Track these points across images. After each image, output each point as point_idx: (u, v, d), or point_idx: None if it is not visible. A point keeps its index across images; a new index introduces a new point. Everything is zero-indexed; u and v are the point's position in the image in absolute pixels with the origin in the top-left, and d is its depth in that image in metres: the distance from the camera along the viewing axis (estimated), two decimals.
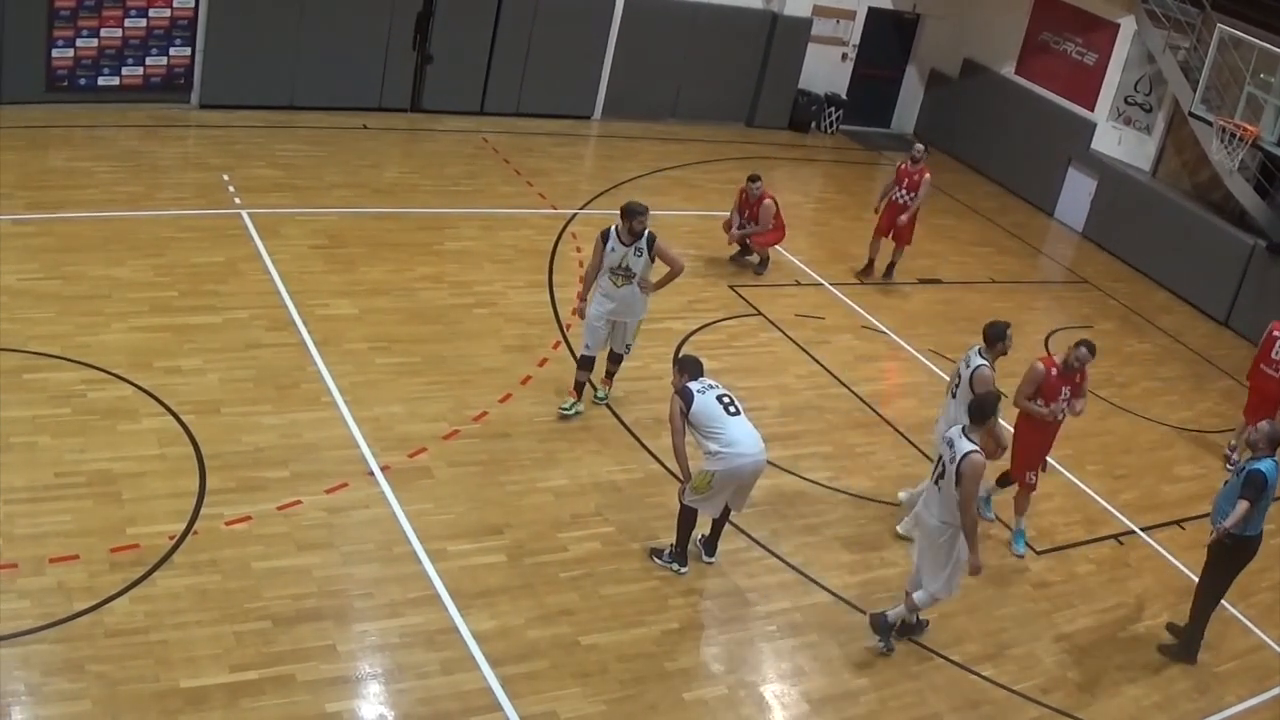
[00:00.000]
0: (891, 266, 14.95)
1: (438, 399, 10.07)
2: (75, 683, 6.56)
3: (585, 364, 10.23)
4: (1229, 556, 8.67)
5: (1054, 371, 9.51)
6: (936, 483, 7.91)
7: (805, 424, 11.06)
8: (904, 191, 14.34)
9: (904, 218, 14.42)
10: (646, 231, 9.78)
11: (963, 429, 7.89)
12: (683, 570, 8.64)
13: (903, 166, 14.48)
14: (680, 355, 9.43)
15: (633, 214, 9.74)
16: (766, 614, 8.45)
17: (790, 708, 7.71)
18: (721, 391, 8.34)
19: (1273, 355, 11.64)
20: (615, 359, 10.48)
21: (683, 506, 8.50)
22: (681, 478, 8.41)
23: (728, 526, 8.89)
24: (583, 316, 10.14)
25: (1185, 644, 8.97)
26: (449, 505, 8.79)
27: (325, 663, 7.12)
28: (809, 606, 8.58)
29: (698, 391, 8.22)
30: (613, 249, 9.79)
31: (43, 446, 8.43)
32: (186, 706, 6.57)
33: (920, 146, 14.69)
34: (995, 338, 9.22)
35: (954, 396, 9.27)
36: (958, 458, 7.67)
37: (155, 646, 6.92)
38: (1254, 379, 12.01)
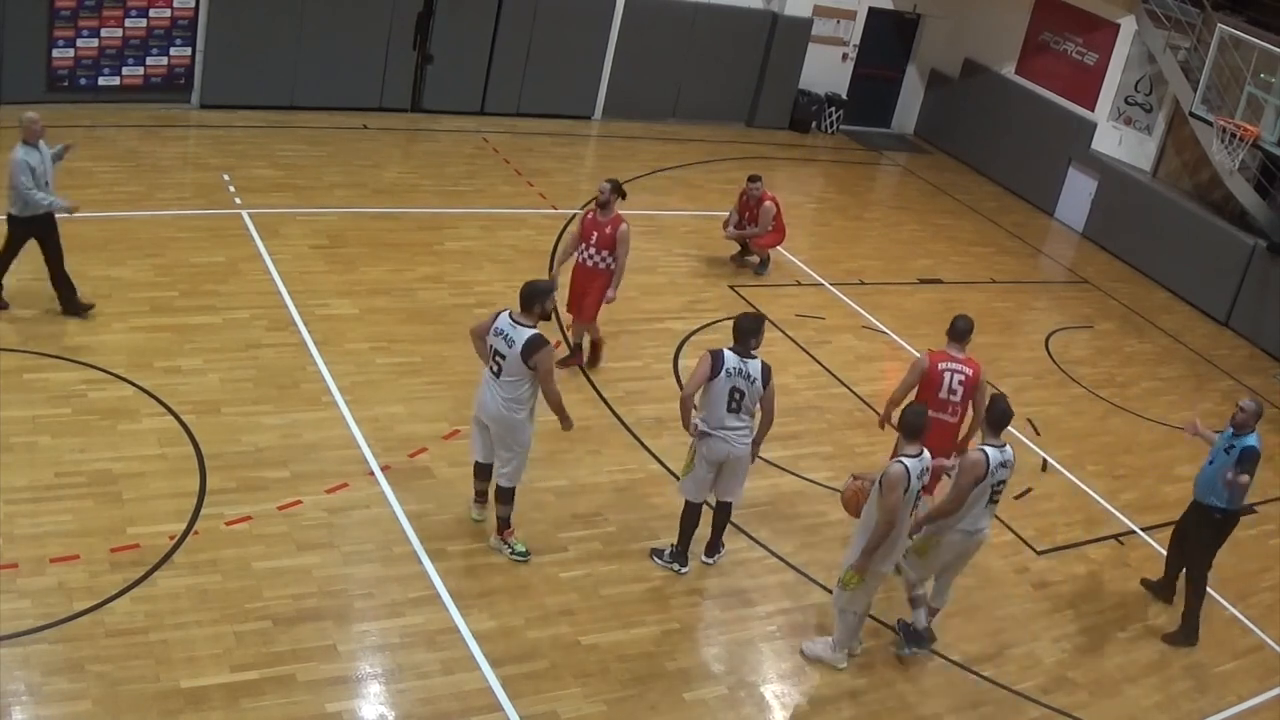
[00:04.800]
0: (595, 347, 11.05)
1: (438, 399, 10.07)
2: (76, 683, 6.56)
3: (479, 472, 8.55)
4: (1222, 530, 9.02)
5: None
6: (994, 499, 7.96)
7: (805, 424, 11.06)
8: (593, 250, 10.43)
9: (611, 293, 10.55)
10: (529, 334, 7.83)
11: (996, 448, 7.86)
12: (683, 570, 8.64)
13: (589, 216, 10.54)
14: (740, 317, 8.30)
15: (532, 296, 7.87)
16: (766, 614, 8.46)
17: (790, 708, 7.71)
18: (739, 387, 8.09)
19: (942, 396, 8.99)
20: (501, 494, 8.28)
21: (685, 506, 8.50)
22: (682, 424, 8.27)
23: (729, 527, 8.89)
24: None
25: (1185, 629, 9.11)
26: (449, 505, 8.78)
27: (325, 663, 7.12)
28: (809, 606, 8.58)
29: (724, 373, 8.04)
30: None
31: (43, 446, 8.44)
32: (187, 706, 6.57)
33: (607, 185, 10.42)
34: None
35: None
36: (1013, 459, 7.98)
37: (155, 646, 6.92)
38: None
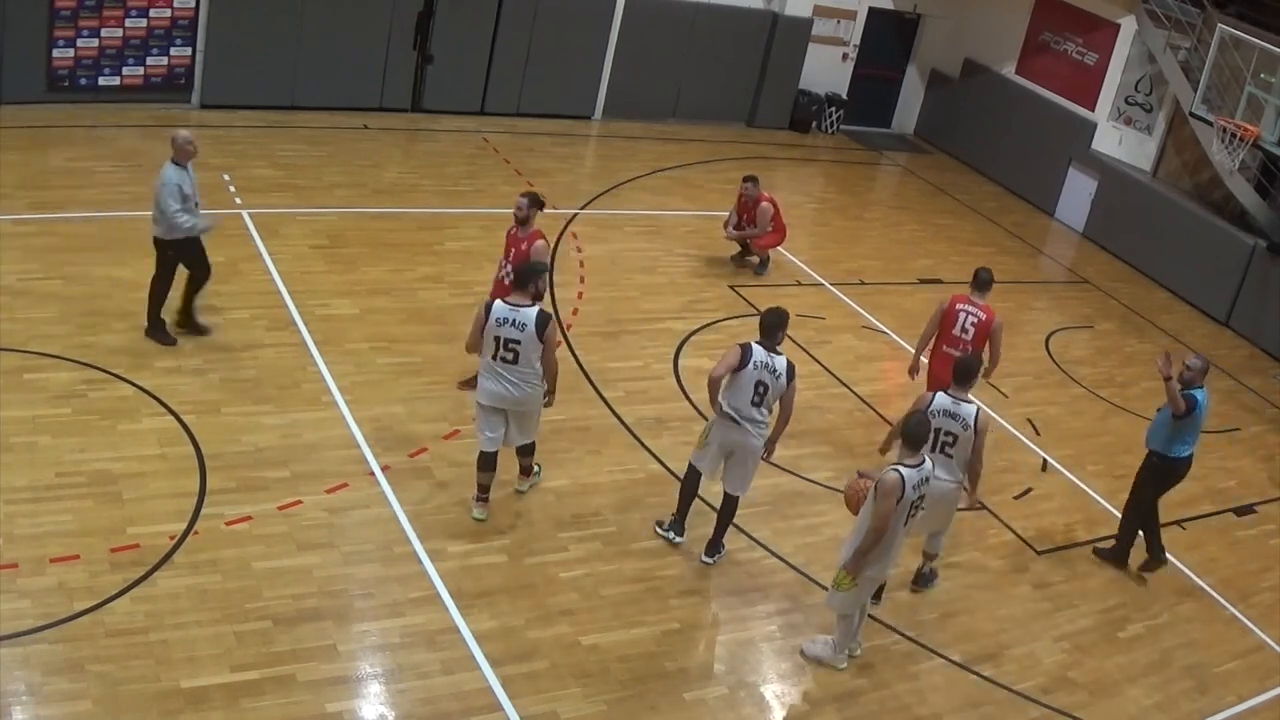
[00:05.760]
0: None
1: (438, 399, 10.07)
2: (76, 683, 6.56)
3: (484, 463, 8.62)
4: (1159, 476, 9.69)
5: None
6: (945, 452, 8.39)
7: (805, 424, 11.05)
8: (510, 268, 9.72)
9: None
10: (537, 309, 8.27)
11: (950, 396, 8.38)
12: (679, 539, 8.84)
13: (511, 231, 10.01)
14: (766, 313, 8.52)
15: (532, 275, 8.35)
16: (766, 614, 8.46)
17: (790, 708, 7.71)
18: (764, 380, 8.29)
19: (955, 332, 10.26)
20: (526, 449, 8.89)
21: (687, 470, 8.77)
22: (710, 402, 8.47)
23: (730, 528, 8.91)
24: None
25: (1117, 551, 9.91)
26: (449, 505, 8.78)
27: (326, 663, 7.12)
28: (809, 606, 8.58)
29: (752, 365, 8.27)
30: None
31: (43, 446, 8.44)
32: (187, 706, 6.57)
33: (524, 200, 9.91)
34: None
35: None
36: (970, 419, 8.34)
37: (156, 646, 6.92)
38: (933, 362, 10.45)
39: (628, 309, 12.48)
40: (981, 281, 10.36)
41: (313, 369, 10.14)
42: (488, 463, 8.60)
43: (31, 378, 9.19)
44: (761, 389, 8.30)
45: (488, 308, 8.24)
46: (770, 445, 8.60)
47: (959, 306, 10.27)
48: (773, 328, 8.40)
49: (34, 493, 7.95)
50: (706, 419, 9.08)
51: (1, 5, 13.85)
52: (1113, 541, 10.04)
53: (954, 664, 8.35)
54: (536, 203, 9.95)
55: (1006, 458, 11.24)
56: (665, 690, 7.52)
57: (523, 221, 9.85)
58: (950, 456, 8.42)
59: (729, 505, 8.71)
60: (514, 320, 8.16)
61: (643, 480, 9.64)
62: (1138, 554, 9.88)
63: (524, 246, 9.76)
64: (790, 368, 8.36)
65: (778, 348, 8.39)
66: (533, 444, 8.86)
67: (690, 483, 8.81)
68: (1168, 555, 9.87)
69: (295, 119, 15.82)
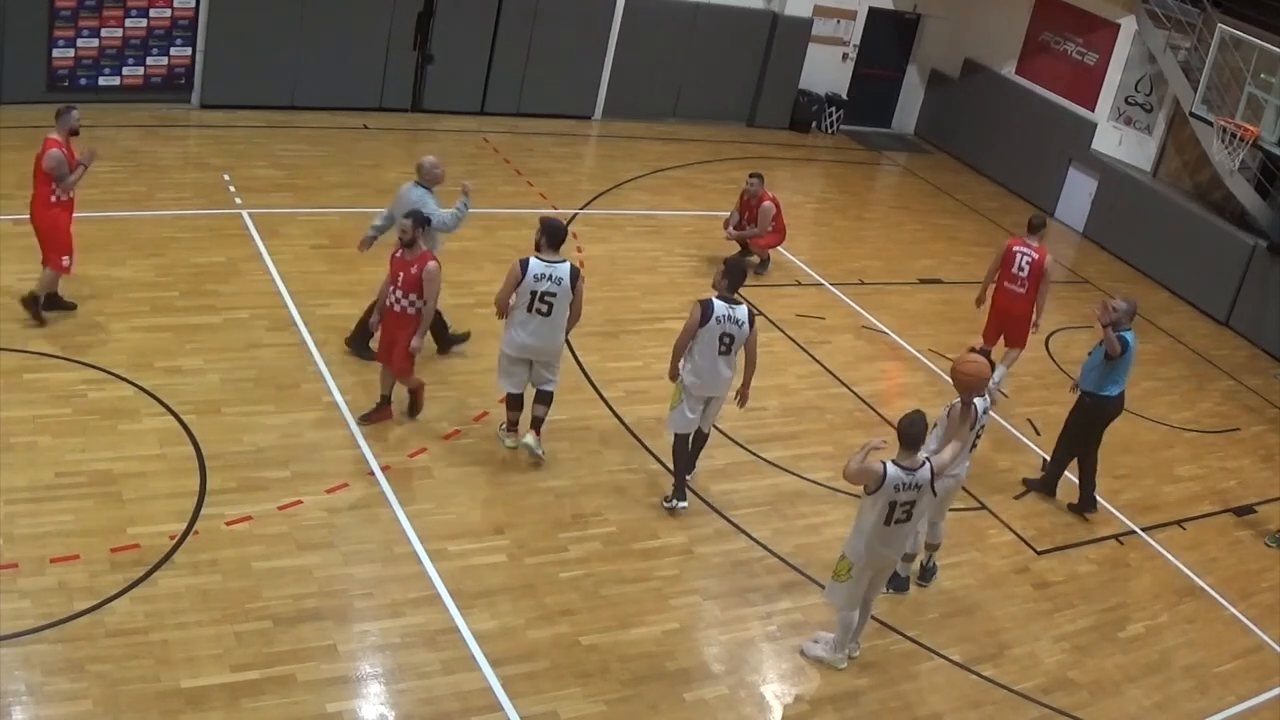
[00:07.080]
0: (415, 394, 9.78)
1: (438, 399, 10.06)
2: (76, 682, 6.56)
3: (513, 402, 9.49)
4: (1091, 414, 10.30)
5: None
6: (975, 443, 8.67)
7: (805, 424, 11.07)
8: (400, 293, 9.18)
9: (416, 342, 9.21)
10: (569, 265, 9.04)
11: (978, 396, 8.47)
12: (682, 505, 9.20)
13: (396, 254, 9.28)
14: (725, 261, 9.29)
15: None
16: (766, 614, 8.46)
17: (790, 708, 7.71)
18: (729, 331, 8.79)
19: (1014, 271, 11.68)
20: (546, 397, 9.40)
21: (674, 440, 9.13)
22: (670, 371, 9.12)
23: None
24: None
25: (1045, 482, 10.69)
26: (449, 505, 8.79)
27: (326, 663, 7.12)
28: (809, 606, 8.58)
29: (715, 319, 8.75)
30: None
31: (43, 446, 8.44)
32: (187, 706, 6.57)
33: (408, 221, 9.20)
34: None
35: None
36: (990, 408, 8.69)
37: (156, 646, 6.92)
38: (997, 297, 11.95)
39: (628, 309, 12.48)
40: (1034, 225, 11.72)
41: (313, 369, 10.15)
42: (516, 402, 9.42)
43: (31, 378, 9.19)
44: (727, 340, 8.80)
45: (524, 264, 8.87)
46: (743, 394, 9.11)
47: (1015, 248, 11.59)
48: (735, 277, 8.87)
49: (34, 493, 7.95)
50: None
51: (1, 5, 13.86)
52: (1043, 475, 10.78)
53: (954, 664, 8.35)
54: (422, 224, 9.36)
55: (1007, 458, 11.25)
56: (665, 690, 7.52)
57: (409, 244, 9.21)
58: (975, 448, 8.77)
59: (700, 440, 9.30)
60: (551, 275, 8.89)
61: (643, 480, 9.65)
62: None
63: (414, 270, 9.13)
64: (751, 315, 8.87)
65: (736, 298, 8.86)
66: (551, 394, 9.34)
67: (681, 450, 9.17)
68: (1098, 503, 10.57)
69: (295, 119, 15.82)
